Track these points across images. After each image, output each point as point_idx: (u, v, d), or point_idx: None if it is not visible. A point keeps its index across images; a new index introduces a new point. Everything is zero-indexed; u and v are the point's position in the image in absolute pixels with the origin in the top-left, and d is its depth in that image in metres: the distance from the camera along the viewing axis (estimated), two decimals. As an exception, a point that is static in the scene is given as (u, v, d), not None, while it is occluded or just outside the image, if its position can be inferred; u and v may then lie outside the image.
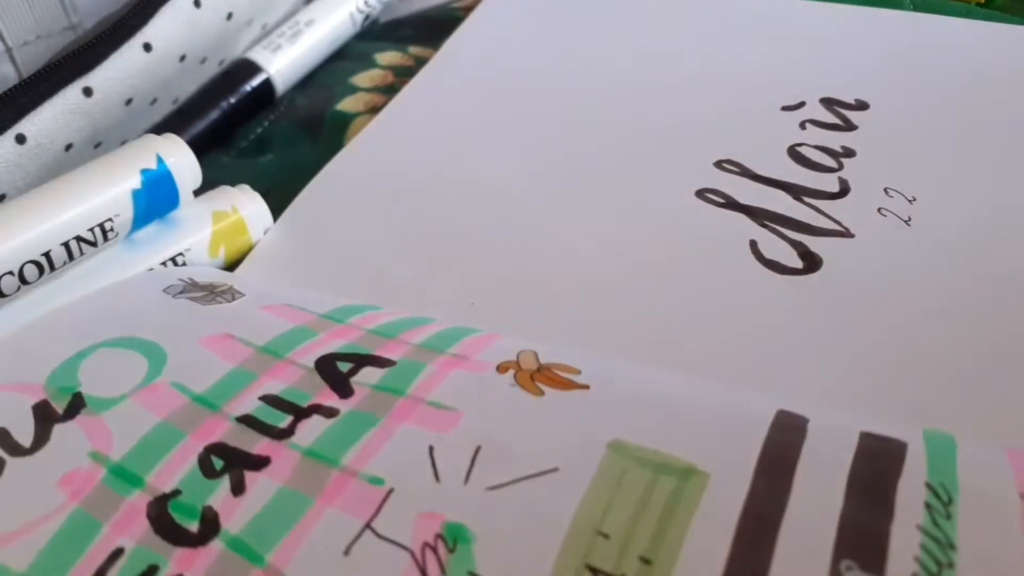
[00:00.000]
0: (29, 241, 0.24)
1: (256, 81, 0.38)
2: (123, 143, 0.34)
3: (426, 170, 0.32)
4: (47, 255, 0.24)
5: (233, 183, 0.33)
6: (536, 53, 0.37)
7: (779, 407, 0.18)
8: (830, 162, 0.29)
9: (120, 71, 0.31)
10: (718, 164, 0.29)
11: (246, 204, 0.30)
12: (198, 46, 0.34)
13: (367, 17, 0.42)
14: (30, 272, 0.24)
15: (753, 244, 0.26)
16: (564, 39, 0.38)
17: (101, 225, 0.26)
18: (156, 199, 0.27)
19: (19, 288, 0.24)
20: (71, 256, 0.25)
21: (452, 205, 0.30)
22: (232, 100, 0.37)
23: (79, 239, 0.25)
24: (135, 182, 0.26)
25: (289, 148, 0.36)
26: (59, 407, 0.19)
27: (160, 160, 0.27)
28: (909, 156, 0.29)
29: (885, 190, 0.27)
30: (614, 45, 0.37)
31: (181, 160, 0.28)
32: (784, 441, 0.17)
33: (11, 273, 0.24)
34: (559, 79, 0.35)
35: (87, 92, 0.30)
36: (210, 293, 0.24)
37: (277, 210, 0.32)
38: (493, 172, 0.31)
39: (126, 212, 0.26)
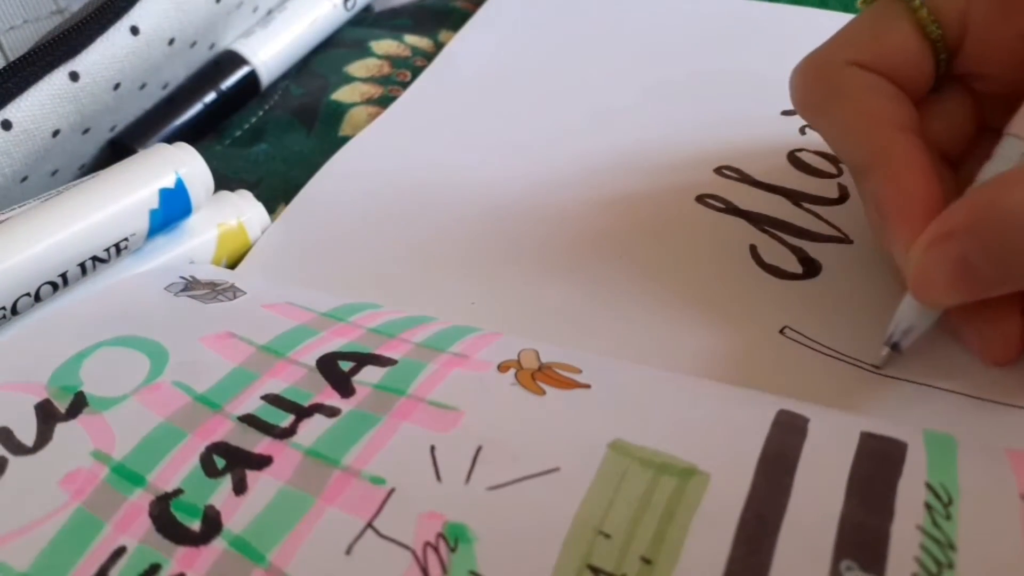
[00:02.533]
0: (47, 264, 0.24)
1: (240, 72, 0.38)
2: (112, 128, 0.34)
3: (427, 170, 0.32)
4: (63, 275, 0.24)
5: (226, 172, 0.33)
6: (538, 56, 0.37)
7: (780, 407, 0.18)
8: (830, 168, 0.29)
9: (107, 55, 0.31)
10: (718, 170, 0.29)
11: (246, 210, 0.30)
12: (187, 29, 0.34)
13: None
14: (45, 291, 0.24)
15: (753, 249, 0.26)
16: (566, 43, 0.38)
17: (117, 244, 0.26)
18: (171, 214, 0.27)
19: (32, 305, 0.24)
20: (84, 273, 0.25)
21: (453, 205, 0.30)
22: (215, 93, 0.37)
23: (95, 258, 0.25)
24: (153, 202, 0.26)
25: (283, 137, 0.36)
26: (61, 406, 0.19)
27: (177, 177, 0.27)
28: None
29: None
30: (616, 52, 0.37)
31: (194, 171, 0.27)
32: (785, 441, 0.17)
33: (28, 294, 0.24)
34: (561, 83, 0.35)
35: (74, 77, 0.30)
36: (211, 291, 0.24)
37: (270, 199, 0.32)
38: (495, 173, 0.31)
39: (142, 230, 0.26)
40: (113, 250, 0.26)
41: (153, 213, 0.26)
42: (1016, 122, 0.21)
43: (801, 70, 0.24)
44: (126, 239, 0.26)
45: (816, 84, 0.24)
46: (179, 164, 0.27)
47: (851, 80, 0.23)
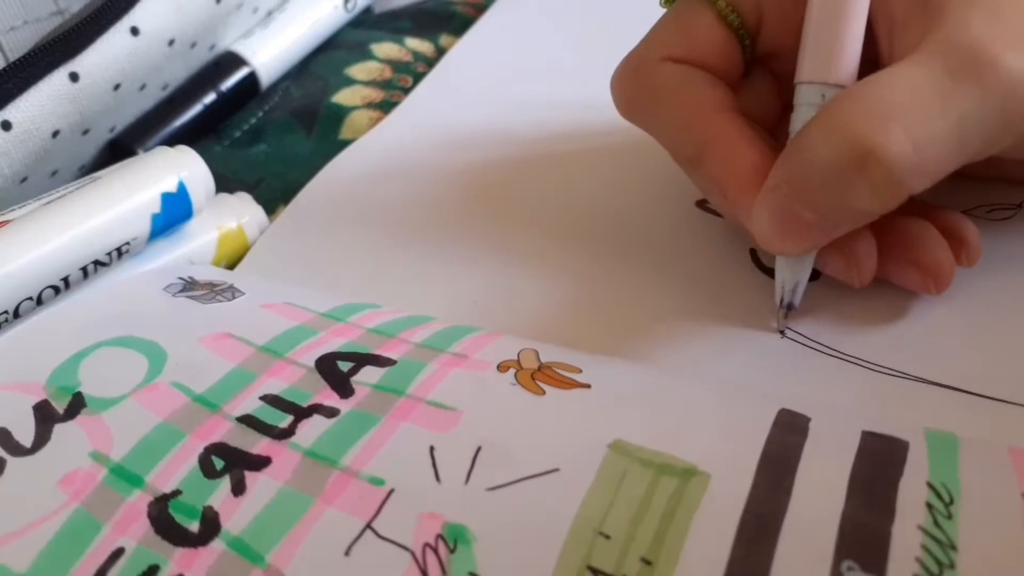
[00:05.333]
0: (49, 268, 0.24)
1: (240, 73, 0.38)
2: (112, 129, 0.34)
3: (428, 173, 0.32)
4: (65, 279, 0.25)
5: (226, 173, 0.33)
6: (539, 63, 0.38)
7: (780, 407, 0.18)
8: None
9: (107, 56, 0.31)
10: None
11: (245, 213, 0.30)
12: (187, 30, 0.34)
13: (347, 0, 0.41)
14: (47, 295, 0.24)
15: (753, 252, 0.26)
16: (568, 49, 0.38)
17: (119, 248, 0.26)
18: (172, 218, 0.27)
19: (34, 309, 0.24)
20: (86, 276, 0.25)
21: (454, 207, 0.30)
22: (215, 94, 0.37)
23: (96, 262, 0.25)
24: (155, 206, 0.26)
25: (282, 139, 0.36)
26: (59, 407, 0.19)
27: (180, 181, 0.27)
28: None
29: None
30: (619, 59, 0.37)
31: (195, 174, 0.27)
32: (785, 441, 0.17)
33: (30, 298, 0.24)
34: (563, 89, 0.35)
35: (73, 77, 0.30)
36: (210, 291, 0.24)
37: (269, 200, 0.32)
38: (495, 178, 0.31)
39: (143, 234, 0.26)
40: (115, 253, 0.26)
41: (155, 217, 0.26)
42: (800, 70, 0.22)
43: (619, 74, 0.25)
44: (128, 243, 0.26)
45: (635, 85, 0.25)
46: (181, 168, 0.27)
47: (668, 75, 0.24)
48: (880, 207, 0.20)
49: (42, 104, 0.30)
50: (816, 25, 0.22)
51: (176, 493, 0.17)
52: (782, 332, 0.23)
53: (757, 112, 0.25)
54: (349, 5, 0.42)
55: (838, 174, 0.20)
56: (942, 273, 0.22)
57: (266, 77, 0.38)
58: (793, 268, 0.23)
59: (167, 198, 0.27)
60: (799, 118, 0.22)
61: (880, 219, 0.22)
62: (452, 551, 0.15)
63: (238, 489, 0.17)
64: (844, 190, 0.20)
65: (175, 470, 0.17)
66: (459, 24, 0.42)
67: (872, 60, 0.22)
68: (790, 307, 0.23)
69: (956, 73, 0.19)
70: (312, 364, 0.20)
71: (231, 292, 0.24)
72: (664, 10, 0.25)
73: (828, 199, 0.20)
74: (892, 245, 0.23)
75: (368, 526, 0.16)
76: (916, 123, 0.19)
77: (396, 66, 0.39)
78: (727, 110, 0.24)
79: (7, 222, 0.24)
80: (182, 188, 0.27)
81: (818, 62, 0.22)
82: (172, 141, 0.35)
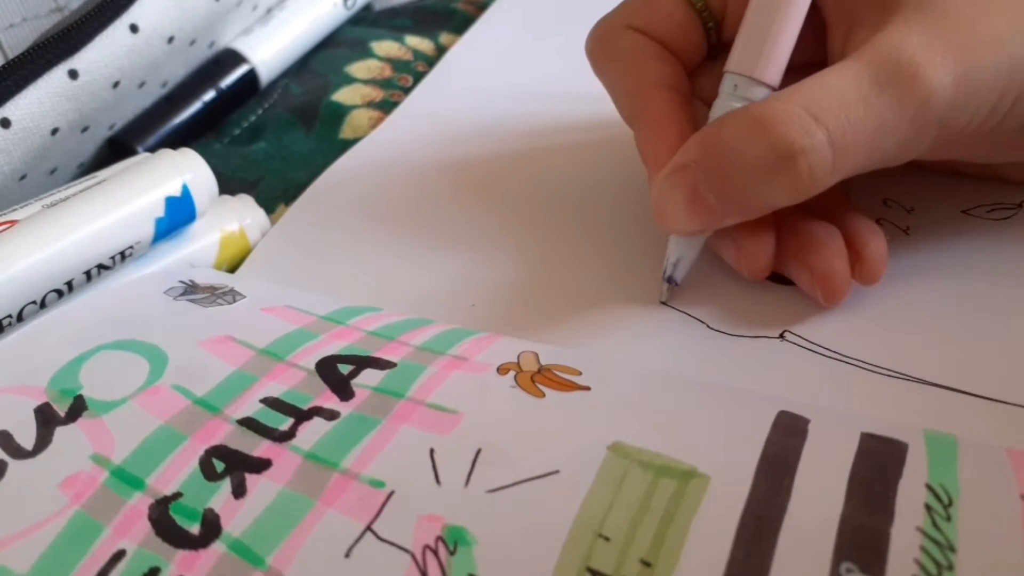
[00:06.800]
0: (54, 272, 0.24)
1: (240, 70, 0.38)
2: (111, 127, 0.34)
3: (428, 175, 0.32)
4: (69, 283, 0.25)
5: (225, 171, 0.33)
6: (540, 63, 0.38)
7: (780, 408, 0.18)
8: None
9: (106, 53, 0.31)
10: None
11: (247, 216, 0.30)
12: (186, 27, 0.34)
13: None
14: (51, 299, 0.24)
15: None
16: (568, 49, 0.38)
17: (122, 252, 0.26)
18: (176, 221, 0.27)
19: (37, 312, 0.24)
20: (89, 279, 0.25)
21: (454, 209, 0.30)
22: (215, 91, 0.37)
23: (100, 266, 0.25)
24: (159, 210, 0.26)
25: (282, 136, 0.36)
26: (61, 410, 0.19)
27: (184, 186, 0.27)
28: (906, 170, 0.29)
29: (884, 201, 0.27)
30: None
31: (199, 178, 0.27)
32: (785, 443, 0.17)
33: (34, 302, 0.24)
34: (564, 89, 0.35)
35: (72, 75, 0.30)
36: (211, 295, 0.24)
37: (269, 199, 0.32)
38: (497, 178, 0.31)
39: (147, 238, 0.26)
40: (118, 257, 0.26)
41: (159, 221, 0.26)
42: (728, 60, 0.23)
43: (590, 34, 0.27)
44: (131, 247, 0.26)
45: (599, 45, 0.26)
46: (185, 171, 0.27)
47: (624, 42, 0.25)
48: (789, 202, 0.21)
49: (41, 101, 0.30)
50: (751, 18, 0.23)
51: (177, 495, 0.17)
52: (664, 303, 0.24)
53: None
54: (348, 3, 0.42)
55: (758, 169, 0.20)
56: (831, 284, 0.23)
57: (266, 74, 0.38)
58: (680, 244, 0.24)
59: (171, 202, 0.27)
60: (718, 105, 0.23)
61: (792, 217, 0.23)
62: (452, 553, 0.16)
63: (239, 491, 0.17)
64: (760, 184, 0.21)
65: (176, 472, 0.18)
66: (459, 21, 0.42)
67: (820, 62, 0.23)
68: (671, 281, 0.24)
69: (882, 82, 0.20)
70: (312, 367, 0.20)
71: (232, 295, 0.24)
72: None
73: (740, 190, 0.21)
74: (794, 245, 0.23)
75: (368, 528, 0.16)
76: (838, 128, 0.20)
77: (396, 64, 0.39)
78: (666, 87, 0.25)
79: (10, 223, 0.24)
80: (186, 192, 0.27)
81: (743, 54, 0.23)
82: (171, 139, 0.35)
